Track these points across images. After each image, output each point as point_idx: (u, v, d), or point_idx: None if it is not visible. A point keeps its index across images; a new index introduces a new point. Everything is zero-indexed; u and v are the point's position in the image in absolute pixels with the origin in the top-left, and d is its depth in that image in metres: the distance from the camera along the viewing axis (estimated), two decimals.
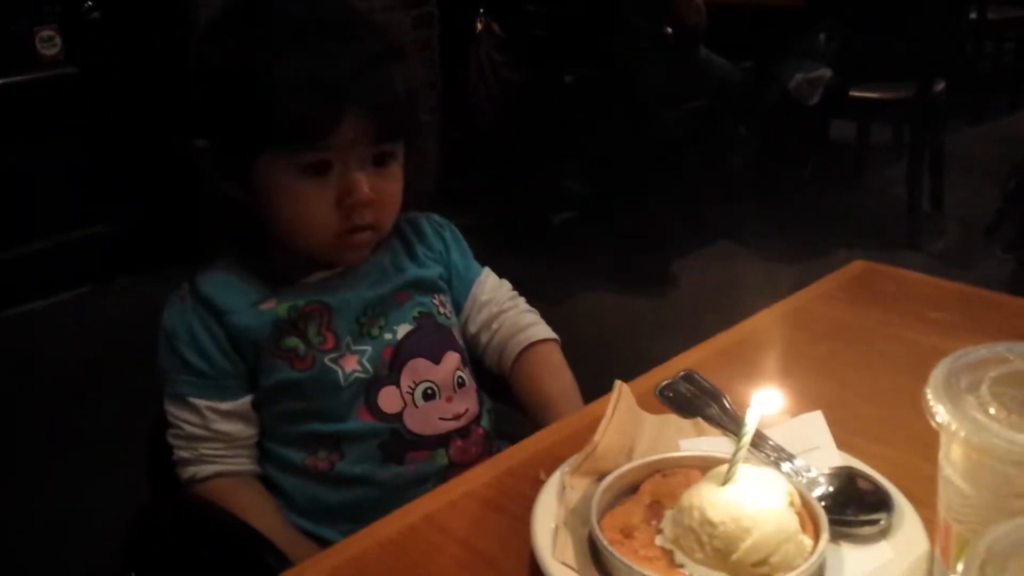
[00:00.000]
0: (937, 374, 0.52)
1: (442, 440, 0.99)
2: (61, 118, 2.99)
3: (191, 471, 0.96)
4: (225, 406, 0.97)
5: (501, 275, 1.14)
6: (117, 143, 3.06)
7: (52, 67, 2.96)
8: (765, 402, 0.61)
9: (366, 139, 0.93)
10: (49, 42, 2.94)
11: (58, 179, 3.01)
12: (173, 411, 0.97)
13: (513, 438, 0.85)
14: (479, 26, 3.19)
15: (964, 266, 2.97)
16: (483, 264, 1.14)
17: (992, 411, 0.50)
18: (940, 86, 3.31)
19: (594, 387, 0.78)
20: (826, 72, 3.24)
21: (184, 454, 0.97)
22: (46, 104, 2.96)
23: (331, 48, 0.93)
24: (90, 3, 3.02)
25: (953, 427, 0.49)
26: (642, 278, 3.01)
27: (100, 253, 3.13)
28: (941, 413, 0.50)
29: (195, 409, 0.96)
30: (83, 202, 3.08)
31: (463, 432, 1.01)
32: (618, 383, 0.74)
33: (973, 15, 4.09)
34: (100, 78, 3.03)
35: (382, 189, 0.96)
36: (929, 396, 0.51)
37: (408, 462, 0.97)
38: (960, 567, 0.37)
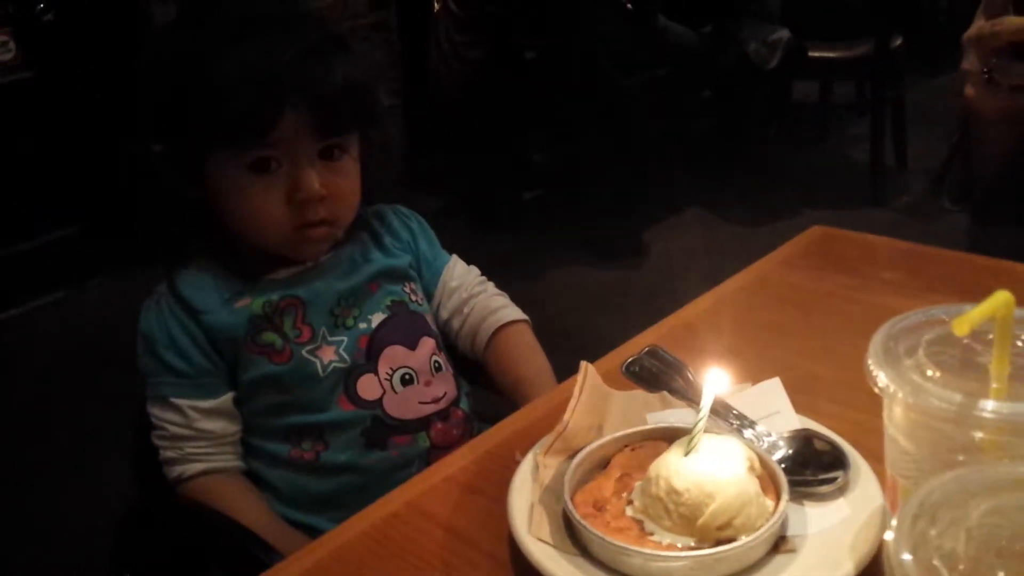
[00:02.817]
0: (876, 340, 0.55)
1: (423, 423, 1.01)
2: (22, 123, 2.95)
3: (178, 470, 0.98)
4: (207, 404, 0.98)
5: (473, 255, 1.15)
6: (80, 145, 3.03)
7: (8, 72, 2.92)
8: (716, 380, 0.64)
9: (310, 133, 0.94)
10: (3, 47, 2.90)
11: (24, 185, 2.98)
12: (156, 412, 0.99)
13: (493, 419, 0.87)
14: (436, 6, 3.17)
15: (929, 220, 3.00)
16: (456, 245, 1.15)
17: (929, 373, 0.53)
18: (898, 41, 3.33)
19: (571, 361, 0.79)
20: (784, 34, 3.25)
21: (170, 454, 0.98)
22: (5, 110, 2.91)
23: (271, 43, 0.93)
24: (43, 5, 2.97)
25: (892, 390, 0.52)
26: (613, 250, 3.02)
27: (72, 256, 3.10)
28: (881, 378, 0.53)
29: (178, 409, 0.98)
30: (51, 206, 3.06)
31: (443, 415, 1.03)
32: (584, 364, 0.76)
33: None
34: (58, 81, 2.99)
35: (333, 184, 0.96)
36: (870, 362, 0.54)
37: (391, 447, 1.00)
38: (894, 522, 0.40)
